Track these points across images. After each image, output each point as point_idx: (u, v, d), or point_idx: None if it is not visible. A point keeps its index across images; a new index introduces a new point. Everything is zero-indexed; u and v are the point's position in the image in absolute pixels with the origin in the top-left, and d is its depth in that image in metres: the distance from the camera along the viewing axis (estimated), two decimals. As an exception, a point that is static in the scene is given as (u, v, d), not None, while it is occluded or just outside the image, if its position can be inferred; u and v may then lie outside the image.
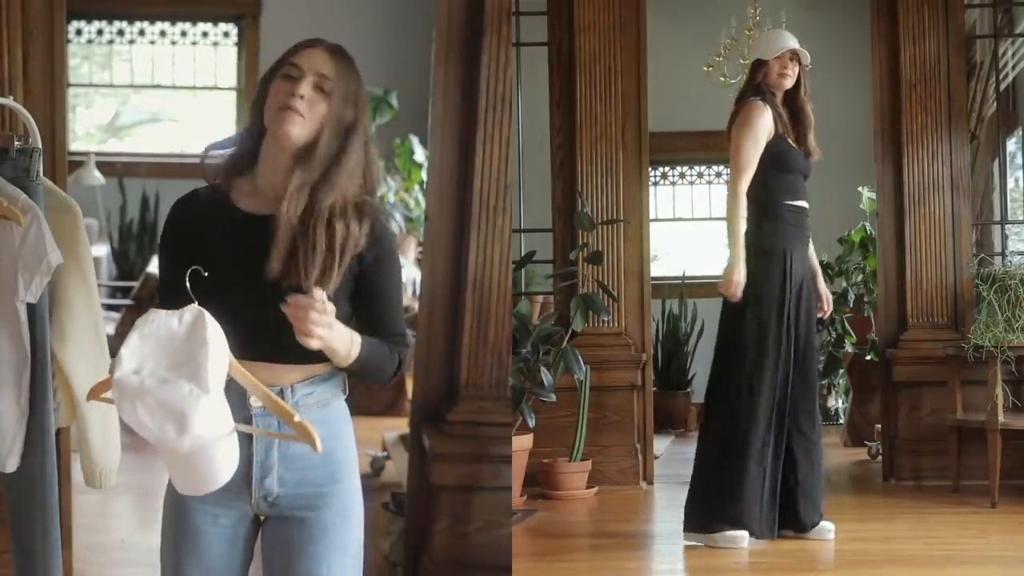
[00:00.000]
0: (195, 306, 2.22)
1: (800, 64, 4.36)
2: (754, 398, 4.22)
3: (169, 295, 2.36)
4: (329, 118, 2.35)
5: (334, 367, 2.41)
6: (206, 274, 2.30)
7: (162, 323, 2.19)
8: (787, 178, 4.32)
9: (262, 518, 2.44)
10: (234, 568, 2.43)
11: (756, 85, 4.36)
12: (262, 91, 2.40)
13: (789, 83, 4.34)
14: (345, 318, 2.36)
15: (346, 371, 2.40)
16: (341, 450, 2.43)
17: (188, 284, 2.26)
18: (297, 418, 2.24)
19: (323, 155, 2.35)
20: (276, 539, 2.41)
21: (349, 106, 2.37)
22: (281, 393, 2.35)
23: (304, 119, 2.33)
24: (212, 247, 2.36)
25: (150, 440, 2.14)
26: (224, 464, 2.20)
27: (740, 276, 4.20)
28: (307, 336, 2.21)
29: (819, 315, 4.38)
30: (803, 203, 4.35)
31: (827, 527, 4.35)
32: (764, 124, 4.28)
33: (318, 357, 2.35)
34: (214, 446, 2.16)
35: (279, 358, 2.35)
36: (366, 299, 2.41)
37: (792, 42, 4.34)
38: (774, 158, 4.30)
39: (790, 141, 4.34)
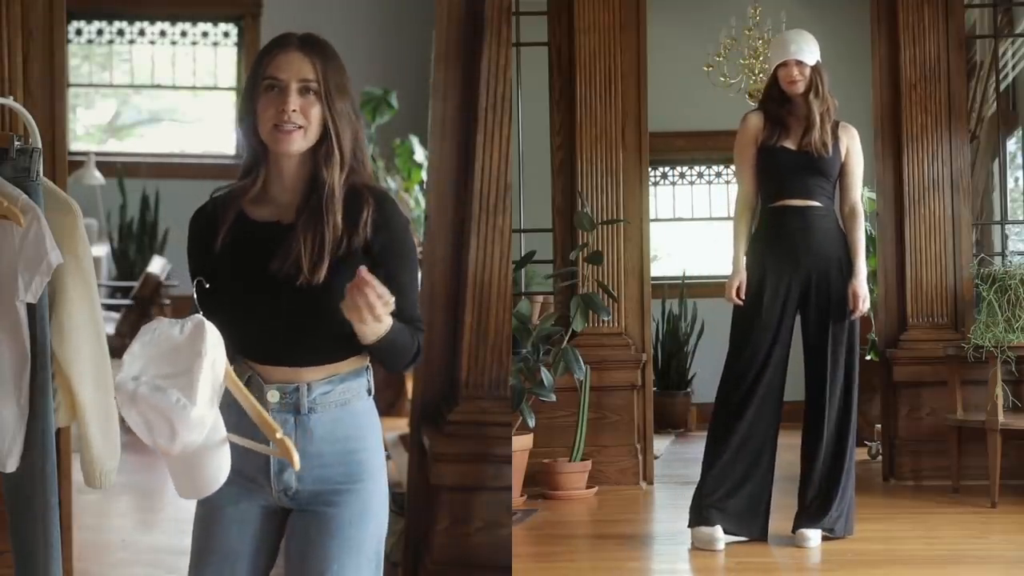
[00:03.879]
0: (197, 316, 2.27)
1: (808, 65, 4.35)
2: (728, 407, 4.36)
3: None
4: (328, 115, 2.37)
5: (356, 366, 2.42)
6: (207, 286, 2.36)
7: (164, 331, 2.24)
8: (770, 181, 4.38)
9: (287, 511, 2.46)
10: (255, 557, 2.46)
11: (768, 91, 4.47)
12: (249, 108, 2.38)
13: (799, 88, 4.35)
14: None
15: (371, 349, 2.37)
16: (364, 450, 2.44)
17: (195, 296, 2.32)
18: (279, 435, 2.27)
19: (345, 151, 2.38)
20: (294, 531, 2.44)
21: (340, 95, 2.38)
22: (297, 390, 2.38)
23: (303, 129, 2.35)
24: (226, 255, 2.39)
25: (146, 443, 2.22)
26: (216, 471, 2.27)
27: (734, 282, 4.34)
28: (365, 317, 2.20)
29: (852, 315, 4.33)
30: (787, 202, 4.35)
31: (804, 533, 4.33)
32: (746, 134, 4.42)
33: (334, 358, 2.38)
34: (205, 453, 2.23)
35: (296, 361, 2.38)
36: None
37: (786, 53, 4.34)
38: (757, 165, 4.42)
39: (783, 143, 4.35)
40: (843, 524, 4.34)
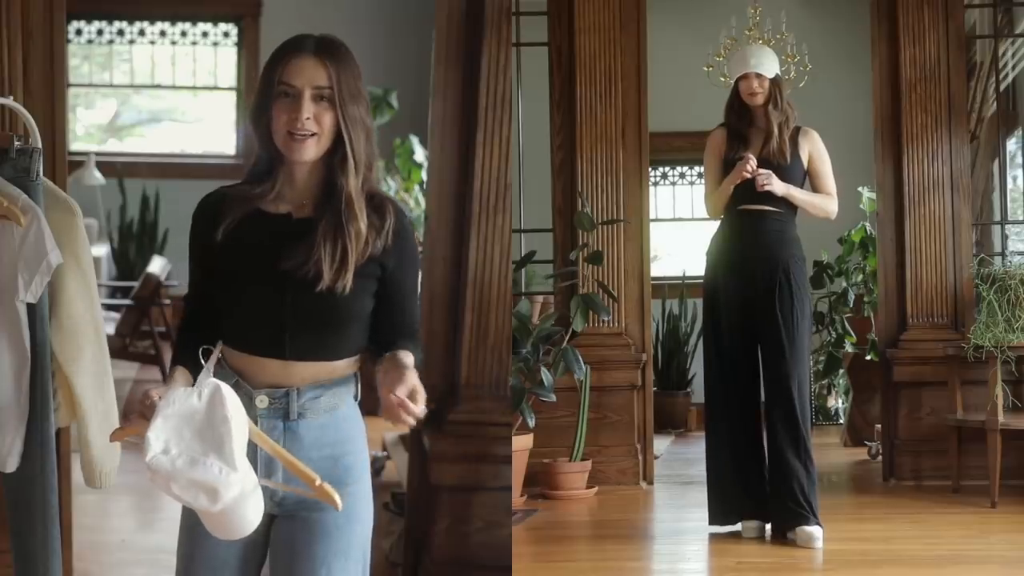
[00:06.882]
0: (212, 380, 2.27)
1: (768, 78, 4.48)
2: (712, 402, 4.55)
3: (195, 291, 2.49)
4: (343, 122, 2.35)
5: (347, 371, 2.43)
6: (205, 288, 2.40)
7: (182, 401, 2.25)
8: (737, 190, 4.46)
9: (273, 516, 2.45)
10: (243, 565, 2.46)
11: (729, 103, 4.60)
12: (263, 115, 2.37)
13: (759, 100, 4.50)
14: (365, 314, 2.40)
15: None
16: (350, 454, 2.43)
17: (202, 359, 2.32)
18: (319, 482, 2.27)
19: (360, 157, 2.38)
20: (281, 537, 2.43)
21: (353, 101, 2.37)
22: (287, 395, 2.37)
23: (316, 136, 2.34)
24: (232, 243, 2.39)
25: (184, 504, 2.28)
26: (253, 515, 2.30)
27: (743, 165, 4.38)
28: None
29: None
30: (745, 207, 4.47)
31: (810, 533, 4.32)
32: (712, 149, 4.60)
33: (331, 356, 2.39)
34: (244, 503, 2.26)
35: (293, 354, 2.37)
36: (390, 297, 2.42)
37: (746, 66, 4.49)
38: (721, 178, 4.55)
39: (743, 155, 4.47)
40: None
